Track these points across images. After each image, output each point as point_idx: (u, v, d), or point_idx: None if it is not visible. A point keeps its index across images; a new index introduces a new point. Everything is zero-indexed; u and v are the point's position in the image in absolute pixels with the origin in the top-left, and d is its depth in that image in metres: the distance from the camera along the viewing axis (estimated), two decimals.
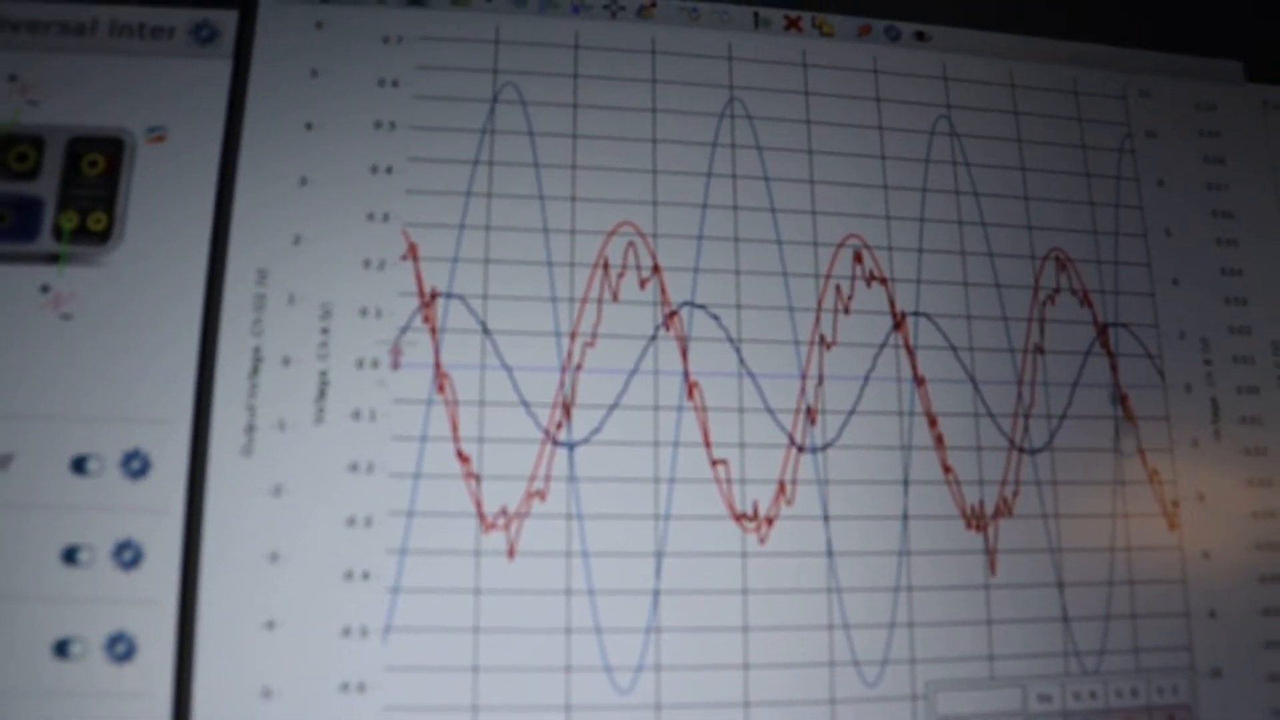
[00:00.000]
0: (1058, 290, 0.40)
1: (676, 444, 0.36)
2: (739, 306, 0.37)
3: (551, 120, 0.38)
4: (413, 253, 0.36)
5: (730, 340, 0.37)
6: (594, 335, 0.36)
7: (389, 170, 0.36)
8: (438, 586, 0.33)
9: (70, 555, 0.32)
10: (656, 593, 0.34)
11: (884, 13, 0.41)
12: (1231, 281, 0.42)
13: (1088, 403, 0.39)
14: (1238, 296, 0.41)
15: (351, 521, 0.33)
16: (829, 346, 0.37)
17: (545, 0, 0.39)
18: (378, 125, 0.37)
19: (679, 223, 0.38)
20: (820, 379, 0.37)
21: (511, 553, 0.34)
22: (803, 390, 0.37)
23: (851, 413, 0.37)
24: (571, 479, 0.35)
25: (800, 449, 0.36)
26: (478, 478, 0.34)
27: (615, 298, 0.37)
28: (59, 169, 0.35)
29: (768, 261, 0.38)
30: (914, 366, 0.38)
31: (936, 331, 0.38)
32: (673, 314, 0.37)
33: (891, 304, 0.38)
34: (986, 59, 0.42)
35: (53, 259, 0.34)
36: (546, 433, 0.35)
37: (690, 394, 0.36)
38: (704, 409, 0.36)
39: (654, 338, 0.36)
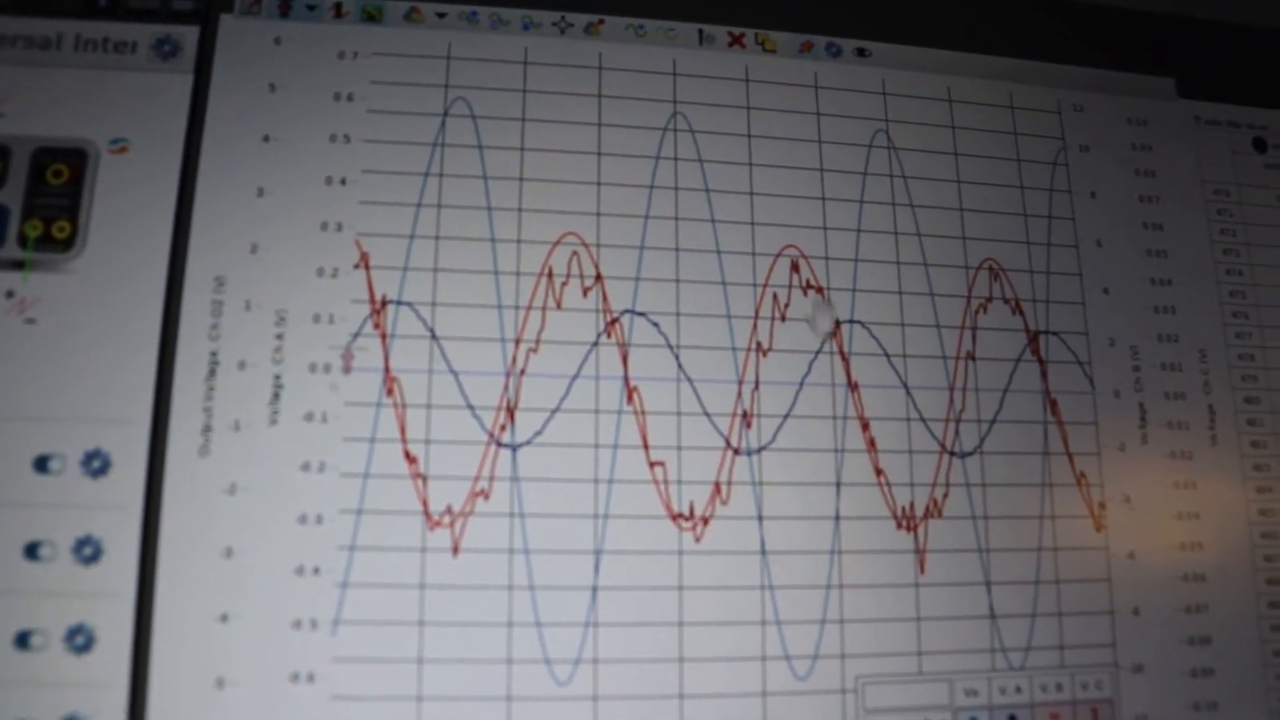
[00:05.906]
0: (990, 299, 0.41)
1: (616, 446, 0.37)
2: (678, 314, 0.38)
3: (500, 134, 0.39)
4: (365, 261, 0.37)
5: (670, 346, 0.38)
6: (538, 341, 0.37)
7: (343, 182, 0.37)
8: (385, 581, 0.34)
9: (32, 550, 0.33)
10: (595, 589, 0.35)
11: (826, 29, 0.42)
12: (1161, 291, 0.43)
13: (1018, 408, 0.40)
14: (1167, 305, 0.42)
15: (303, 519, 0.34)
16: (765, 353, 0.39)
17: (496, 18, 0.40)
18: (333, 138, 0.38)
19: (621, 233, 0.39)
20: (756, 384, 0.38)
21: (456, 550, 0.35)
22: (739, 395, 0.38)
23: (786, 417, 0.38)
24: (514, 479, 0.36)
25: (736, 451, 0.37)
26: (424, 477, 0.35)
27: (559, 305, 0.38)
28: (24, 178, 0.36)
29: (707, 271, 0.39)
30: (848, 372, 0.39)
31: (871, 338, 0.39)
32: (614, 321, 0.38)
33: None
34: (925, 74, 0.43)
35: (18, 266, 0.35)
36: (491, 435, 0.36)
37: (630, 398, 0.37)
38: (643, 413, 0.37)
39: (596, 344, 0.37)
